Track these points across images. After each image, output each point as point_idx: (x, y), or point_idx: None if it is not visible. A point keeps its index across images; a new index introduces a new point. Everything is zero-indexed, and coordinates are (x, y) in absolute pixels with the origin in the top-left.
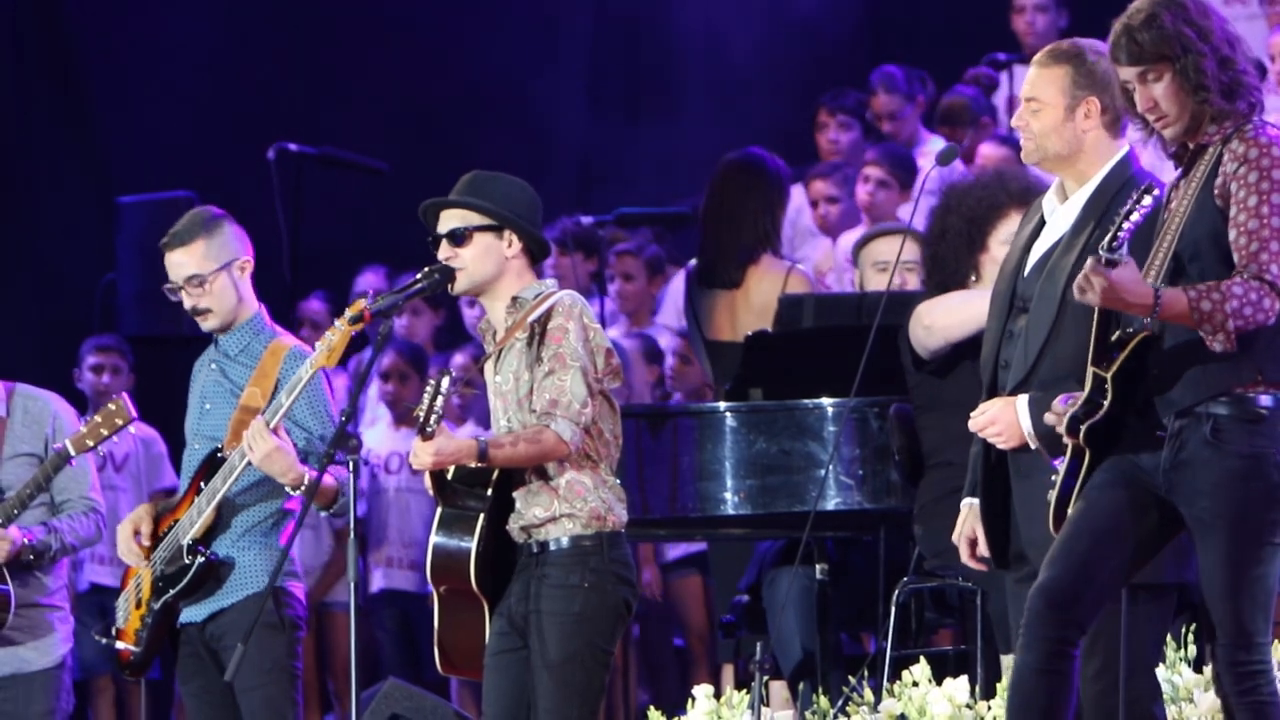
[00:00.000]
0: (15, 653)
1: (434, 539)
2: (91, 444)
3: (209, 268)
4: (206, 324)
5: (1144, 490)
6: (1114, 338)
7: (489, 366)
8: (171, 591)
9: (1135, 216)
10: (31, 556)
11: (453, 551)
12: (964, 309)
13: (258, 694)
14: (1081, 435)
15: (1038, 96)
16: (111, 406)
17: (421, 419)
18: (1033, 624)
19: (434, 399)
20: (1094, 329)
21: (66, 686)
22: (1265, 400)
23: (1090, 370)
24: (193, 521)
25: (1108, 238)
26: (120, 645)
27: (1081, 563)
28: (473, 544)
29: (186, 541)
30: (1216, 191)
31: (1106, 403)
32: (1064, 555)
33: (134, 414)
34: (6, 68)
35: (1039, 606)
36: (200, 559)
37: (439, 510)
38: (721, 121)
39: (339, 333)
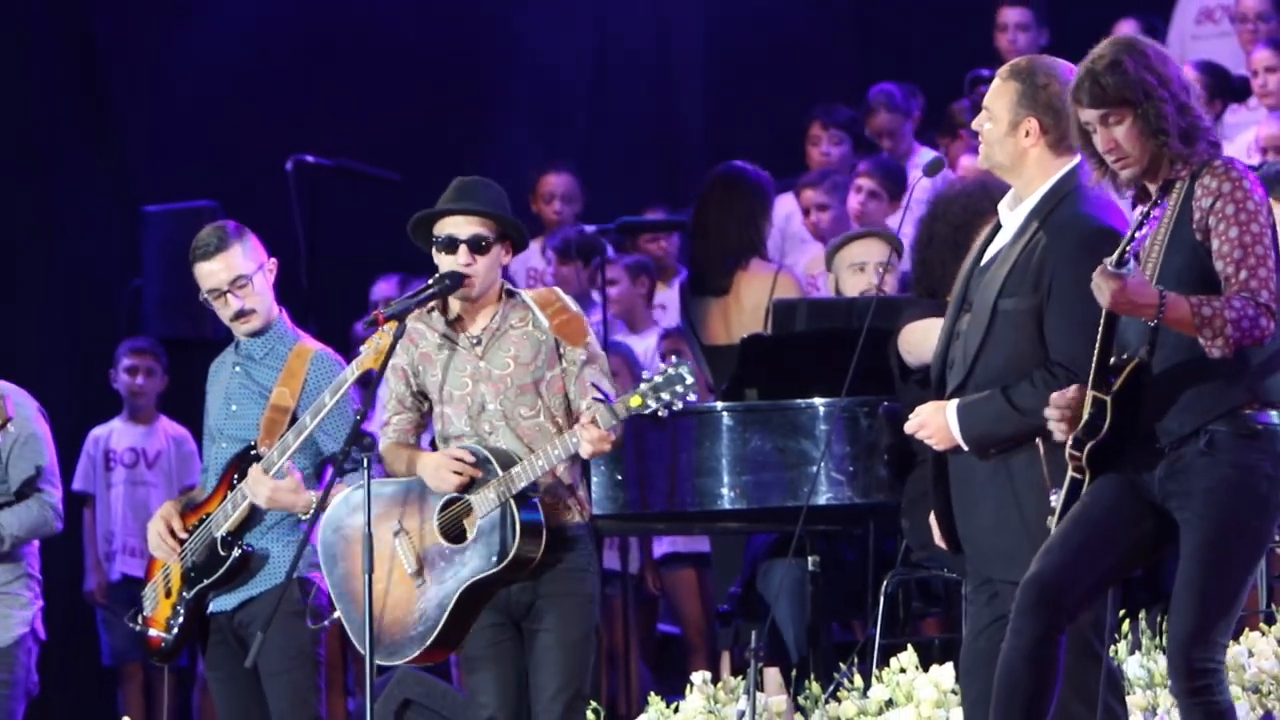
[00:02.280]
0: None
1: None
2: None
3: (251, 269)
4: (249, 325)
5: (1141, 498)
6: (1112, 362)
7: (459, 358)
8: (205, 582)
9: (1144, 229)
10: None
11: (534, 532)
12: (934, 335)
13: (283, 679)
14: (1085, 456)
15: (990, 107)
16: None
17: (632, 409)
18: (1023, 613)
19: (669, 395)
20: (1095, 353)
21: (25, 665)
22: (1261, 418)
23: (1090, 394)
24: (227, 516)
25: (1116, 254)
26: (152, 632)
27: (1074, 556)
28: (543, 534)
29: (221, 535)
30: (1195, 225)
31: (1106, 426)
32: (1058, 548)
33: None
34: (39, 86)
35: (1030, 596)
36: (237, 551)
37: (512, 501)
38: (713, 133)
39: (386, 336)
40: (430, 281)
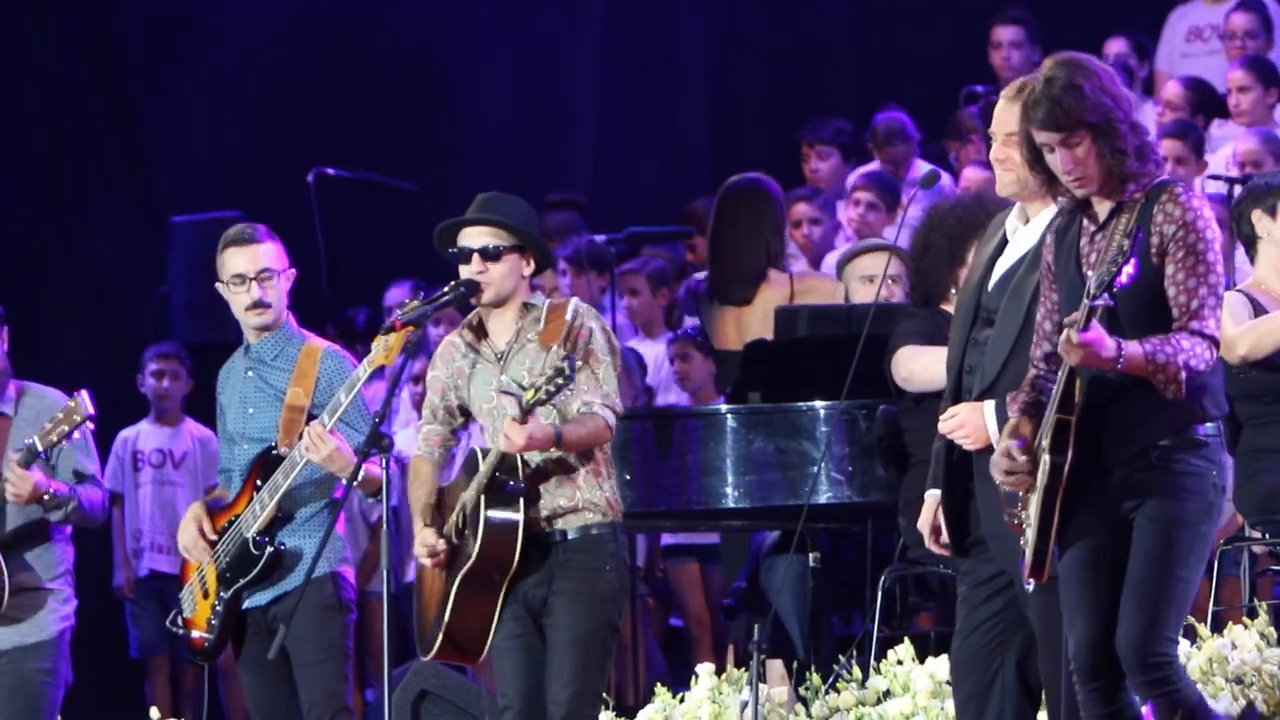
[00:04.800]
0: (16, 629)
1: (483, 527)
2: (55, 440)
3: (278, 266)
4: (261, 319)
5: (1109, 526)
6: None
7: (486, 371)
8: (241, 581)
9: (1130, 270)
10: (56, 508)
11: (503, 534)
12: (935, 367)
13: (315, 670)
14: (1063, 480)
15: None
16: (71, 404)
17: (529, 403)
18: (1083, 680)
19: (556, 387)
20: (1062, 380)
21: (64, 656)
22: (1203, 430)
23: (1055, 418)
24: (255, 516)
25: (1094, 284)
26: (195, 634)
27: (1096, 614)
28: (519, 531)
29: (252, 535)
30: (1154, 249)
31: (1070, 450)
32: (1079, 612)
33: (91, 411)
34: (67, 100)
35: (1081, 662)
36: (270, 549)
37: (482, 497)
38: (720, 150)
39: (396, 335)
40: (446, 289)
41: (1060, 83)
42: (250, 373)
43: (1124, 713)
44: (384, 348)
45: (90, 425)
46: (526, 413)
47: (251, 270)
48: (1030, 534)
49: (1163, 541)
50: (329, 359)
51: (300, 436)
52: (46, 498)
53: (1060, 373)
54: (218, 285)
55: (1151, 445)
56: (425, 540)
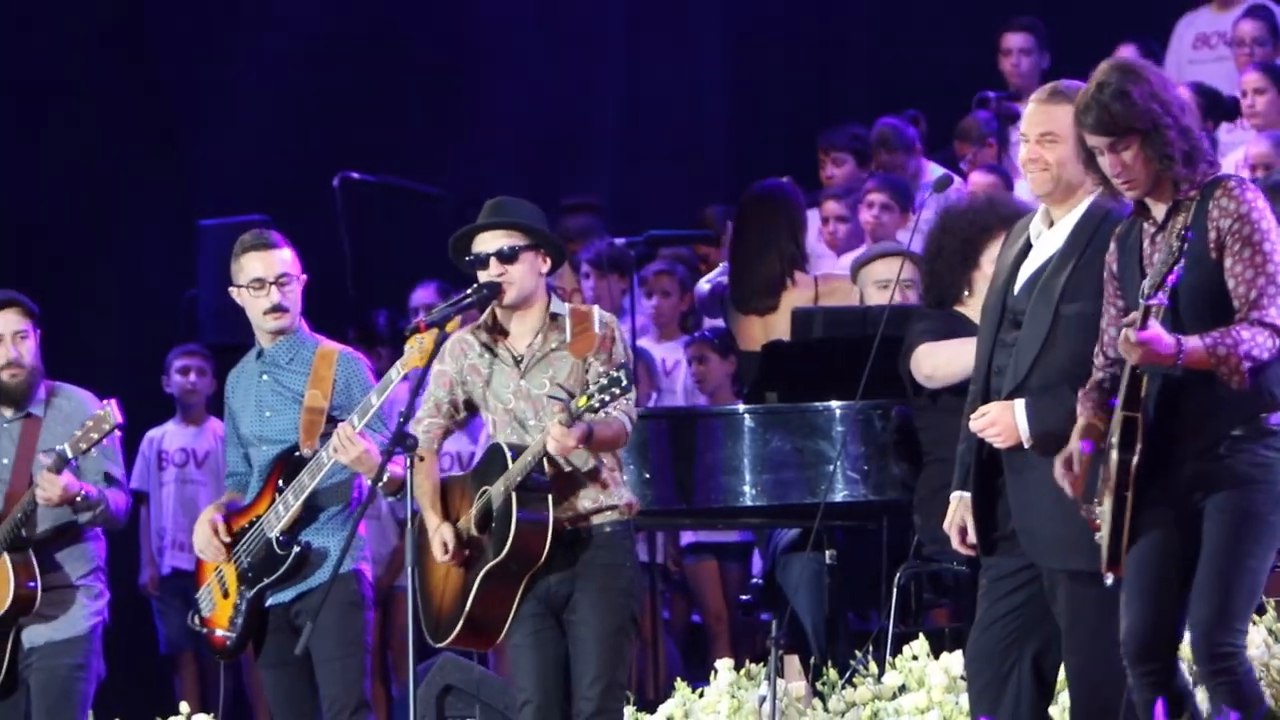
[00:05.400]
0: (50, 625)
1: (516, 522)
2: (85, 448)
3: (295, 271)
4: (279, 322)
5: (1179, 518)
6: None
7: (504, 373)
8: (266, 580)
9: (1179, 266)
10: (87, 510)
11: (534, 529)
12: (958, 360)
13: (336, 665)
14: (1132, 476)
15: (1054, 130)
16: (101, 413)
17: (579, 410)
18: (1133, 665)
19: (611, 396)
20: (1126, 379)
21: (96, 651)
22: (1274, 419)
23: (1123, 415)
24: (279, 516)
25: (1149, 284)
26: (218, 632)
27: (1152, 601)
28: (549, 527)
29: (276, 535)
30: (1211, 245)
31: (1139, 446)
32: (1136, 599)
33: (120, 419)
34: (101, 108)
35: (1131, 648)
36: (296, 549)
37: (514, 495)
38: (738, 154)
39: (429, 337)
40: (469, 291)
41: (1111, 89)
42: (265, 376)
43: (1174, 698)
44: (419, 350)
45: (119, 433)
46: (576, 418)
47: (271, 275)
48: (1104, 529)
49: (1232, 532)
50: (345, 361)
51: (322, 438)
52: (78, 500)
53: (1124, 371)
54: (232, 290)
55: (1222, 436)
56: (444, 537)
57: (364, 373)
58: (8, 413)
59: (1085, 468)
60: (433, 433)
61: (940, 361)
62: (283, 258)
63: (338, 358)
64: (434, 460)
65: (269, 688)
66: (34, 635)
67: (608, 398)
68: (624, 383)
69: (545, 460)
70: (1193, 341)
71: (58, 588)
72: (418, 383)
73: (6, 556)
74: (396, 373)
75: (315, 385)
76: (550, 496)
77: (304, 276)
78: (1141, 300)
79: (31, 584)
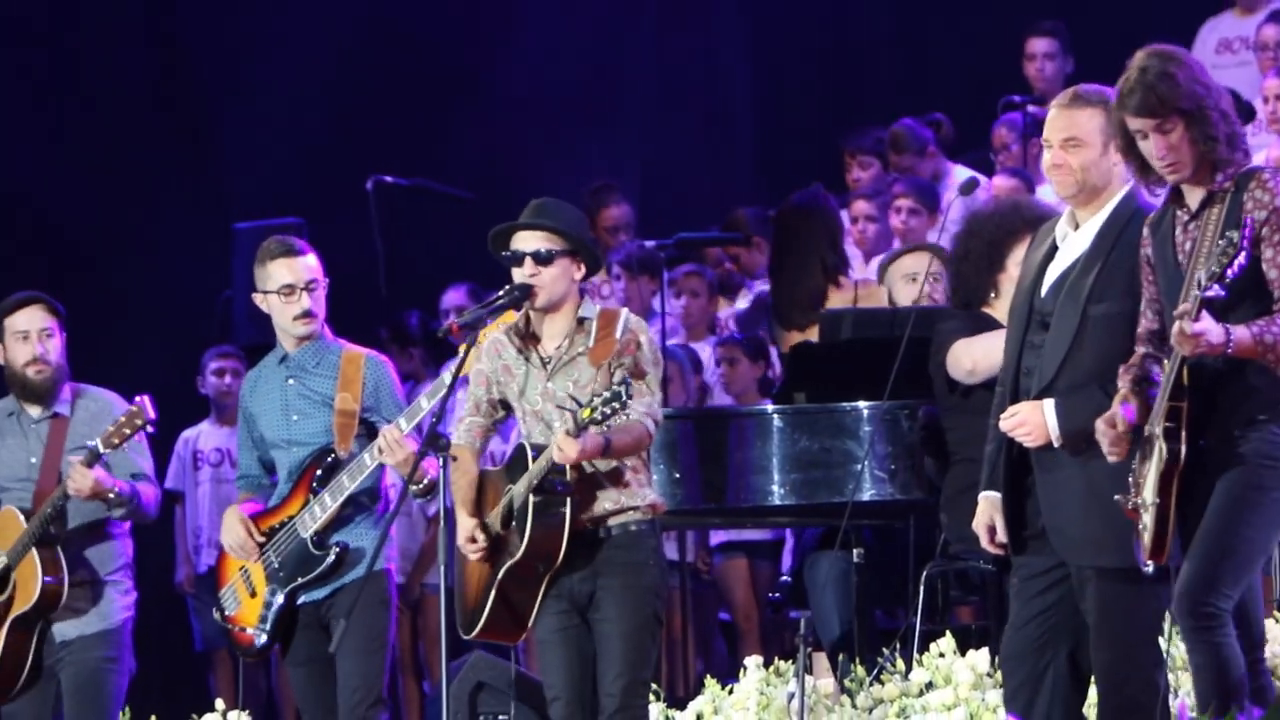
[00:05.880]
0: (80, 620)
1: (531, 524)
2: (117, 443)
3: (321, 276)
4: (308, 328)
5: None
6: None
7: (534, 374)
8: (300, 580)
9: (1241, 260)
10: (120, 505)
11: (549, 531)
12: (996, 351)
13: (360, 659)
14: (1180, 464)
15: (1077, 135)
16: (134, 409)
17: (584, 421)
18: (1181, 618)
19: (612, 410)
20: (1172, 369)
21: (127, 645)
22: None
23: (1168, 404)
24: (315, 518)
25: (1205, 275)
26: (248, 630)
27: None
28: (565, 530)
29: (310, 536)
30: (1248, 235)
31: (1184, 435)
32: (1188, 559)
33: (152, 415)
34: (136, 111)
35: (1182, 605)
36: (335, 549)
37: (532, 498)
38: (766, 158)
39: (482, 339)
40: (501, 293)
41: (1154, 70)
42: (291, 380)
43: (1213, 642)
44: (471, 357)
45: (150, 429)
46: (581, 429)
47: (300, 281)
48: (1148, 518)
49: (1231, 500)
50: (373, 365)
51: (356, 439)
52: (112, 496)
53: (1170, 362)
54: (256, 296)
55: (1249, 421)
56: (470, 532)
57: (391, 375)
58: (34, 411)
59: (1128, 429)
60: (474, 431)
61: (979, 354)
62: (309, 264)
63: (365, 361)
64: (474, 458)
65: (297, 684)
66: (65, 630)
67: (609, 411)
68: (624, 397)
69: (570, 465)
70: (1240, 331)
71: (87, 583)
72: (449, 386)
73: (35, 552)
74: (449, 376)
75: (345, 388)
76: (569, 498)
77: (327, 280)
78: (1197, 291)
79: (58, 579)
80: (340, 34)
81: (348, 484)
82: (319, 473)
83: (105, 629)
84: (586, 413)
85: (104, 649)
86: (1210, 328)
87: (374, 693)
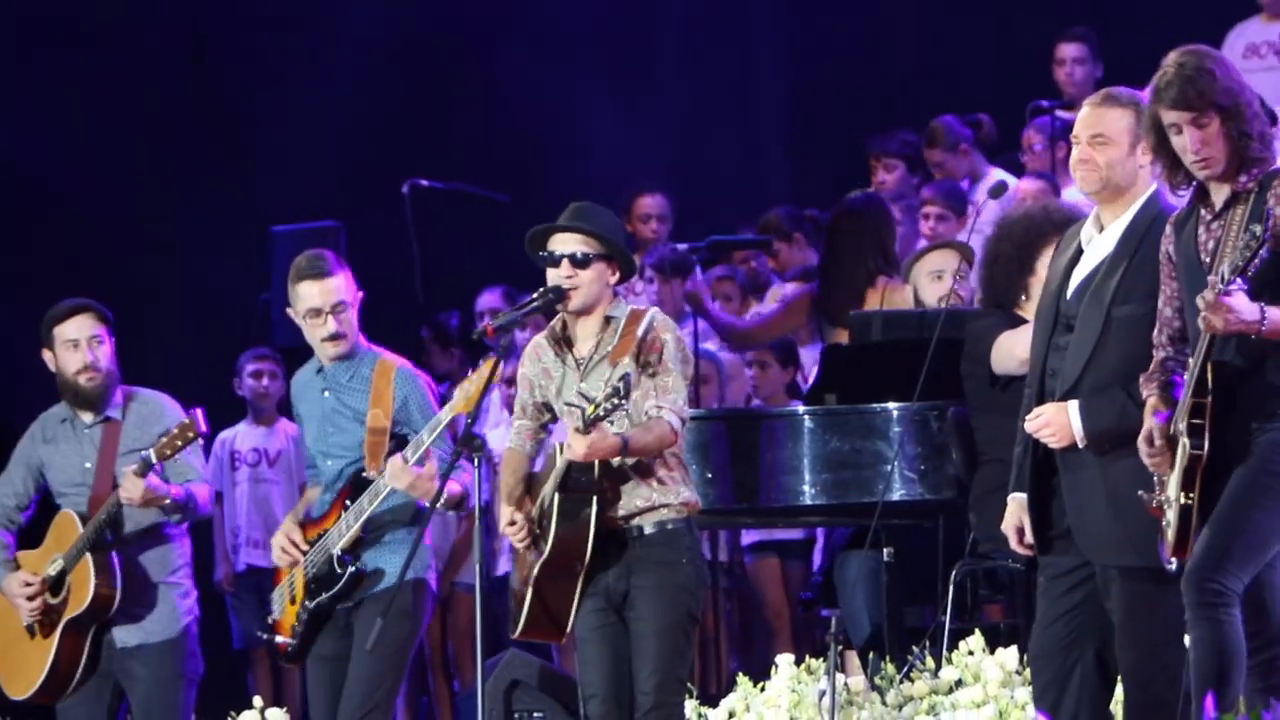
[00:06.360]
0: (141, 626)
1: (556, 522)
2: (169, 453)
3: (350, 297)
4: (337, 349)
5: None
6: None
7: (569, 375)
8: (324, 595)
9: (1263, 253)
10: (175, 511)
11: (574, 530)
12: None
13: (367, 664)
14: (1204, 458)
15: (1105, 133)
16: (186, 421)
17: (590, 417)
18: (1188, 601)
19: (613, 405)
20: (1198, 364)
21: (192, 652)
22: None
23: (1192, 401)
24: (341, 534)
25: (1228, 268)
26: (279, 639)
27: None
28: (590, 526)
29: (336, 553)
30: (1272, 231)
31: (1208, 432)
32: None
33: (204, 429)
34: (172, 117)
35: (1188, 589)
36: (352, 570)
37: (557, 497)
38: (797, 164)
39: (475, 383)
40: (535, 295)
41: (1192, 65)
42: (327, 393)
43: (1215, 620)
44: (464, 396)
45: (201, 441)
46: (589, 425)
47: (326, 304)
48: (1171, 515)
49: (1245, 484)
50: (403, 379)
51: (386, 457)
52: (167, 504)
53: (1193, 359)
54: (289, 311)
55: (1274, 414)
56: (508, 516)
57: (421, 389)
58: (86, 418)
59: (1166, 439)
60: (523, 434)
61: (1026, 344)
62: (336, 285)
63: (395, 375)
64: (523, 460)
65: (312, 678)
66: (125, 636)
67: (610, 406)
68: (622, 392)
69: (597, 462)
70: (1275, 311)
71: (147, 587)
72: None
73: (89, 557)
74: (446, 413)
75: (376, 404)
76: (595, 497)
77: (360, 294)
78: (1220, 285)
79: (110, 584)
80: (376, 37)
81: (366, 506)
82: (352, 490)
83: (169, 638)
84: (591, 409)
85: (170, 664)
86: (1243, 303)
87: (373, 699)
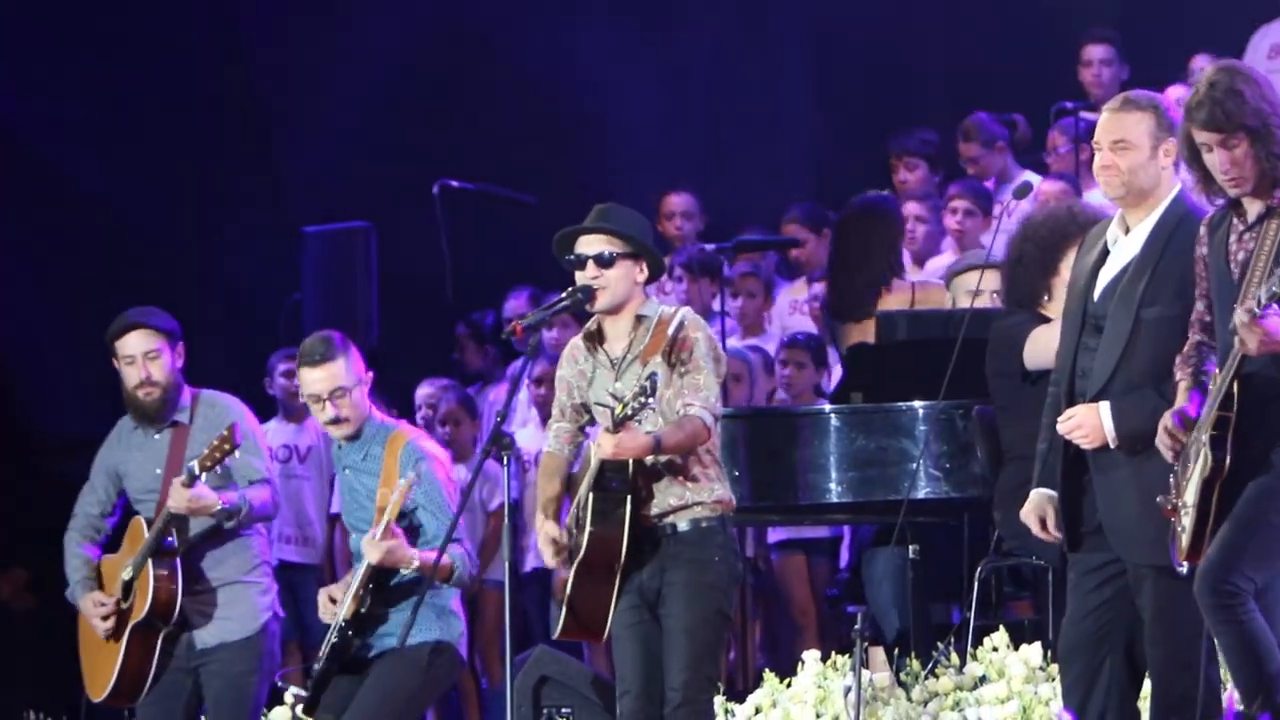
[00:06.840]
0: (220, 625)
1: (591, 521)
2: (210, 465)
3: (351, 382)
4: (341, 431)
5: None
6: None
7: (603, 375)
8: (330, 661)
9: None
10: (228, 518)
11: (609, 529)
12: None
13: (375, 698)
14: (1224, 474)
15: (1126, 138)
16: (225, 433)
17: (619, 416)
18: (1201, 599)
19: (640, 404)
20: (1222, 382)
21: (268, 650)
22: None
23: (1216, 414)
24: (344, 605)
25: (1265, 295)
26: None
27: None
28: (625, 525)
29: (340, 623)
30: None
31: (1230, 445)
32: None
33: (239, 440)
34: (204, 122)
35: (1200, 585)
36: (340, 646)
37: (592, 496)
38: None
39: (399, 493)
40: (563, 295)
41: (1223, 86)
42: (348, 471)
43: (1234, 620)
44: (405, 486)
45: (236, 454)
46: (619, 425)
47: (325, 391)
48: (1188, 520)
49: (1260, 490)
50: (408, 455)
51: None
52: (218, 510)
53: (1222, 372)
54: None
55: None
56: (548, 533)
57: (427, 466)
58: (152, 427)
59: (1182, 434)
60: (561, 437)
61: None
62: (337, 370)
63: (402, 451)
64: (561, 463)
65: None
66: (204, 637)
67: (637, 405)
68: (649, 390)
69: (630, 462)
70: None
71: (220, 587)
72: (514, 383)
73: (150, 562)
74: (398, 493)
75: (385, 483)
76: (629, 497)
77: (369, 375)
78: (1256, 309)
79: (172, 588)
80: (407, 38)
81: (353, 580)
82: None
83: (247, 635)
84: (619, 409)
85: (245, 661)
86: (1278, 327)
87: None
